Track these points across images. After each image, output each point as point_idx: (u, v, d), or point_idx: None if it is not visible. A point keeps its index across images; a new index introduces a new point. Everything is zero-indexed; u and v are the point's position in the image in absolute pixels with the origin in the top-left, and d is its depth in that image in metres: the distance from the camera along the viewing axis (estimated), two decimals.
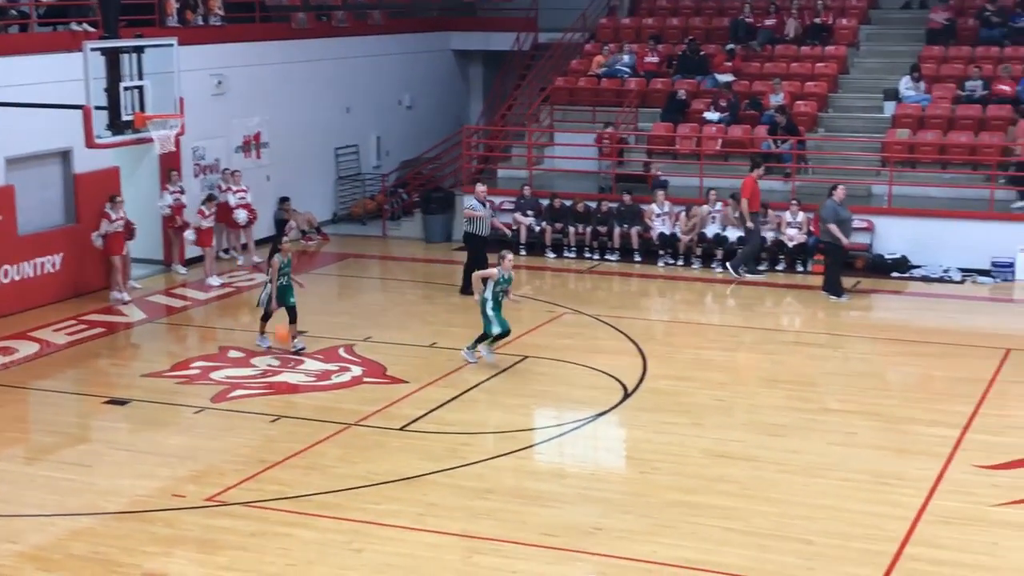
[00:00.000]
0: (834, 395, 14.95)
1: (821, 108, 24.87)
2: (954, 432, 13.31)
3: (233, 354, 16.69)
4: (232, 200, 22.25)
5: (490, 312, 15.70)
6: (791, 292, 20.32)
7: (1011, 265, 20.97)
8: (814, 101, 24.74)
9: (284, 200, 24.69)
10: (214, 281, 20.85)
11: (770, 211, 21.80)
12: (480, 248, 19.65)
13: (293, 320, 16.68)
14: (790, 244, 21.55)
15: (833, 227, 19.44)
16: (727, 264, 21.30)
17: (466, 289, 19.47)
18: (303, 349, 16.56)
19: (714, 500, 11.62)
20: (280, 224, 24.48)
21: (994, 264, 21.06)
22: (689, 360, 16.57)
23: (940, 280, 20.92)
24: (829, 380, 15.64)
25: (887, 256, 21.49)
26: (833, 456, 12.76)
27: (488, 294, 15.75)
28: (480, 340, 15.93)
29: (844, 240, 19.47)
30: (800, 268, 21.43)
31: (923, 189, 22.31)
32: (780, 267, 21.68)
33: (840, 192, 19.75)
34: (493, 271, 15.84)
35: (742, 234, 21.71)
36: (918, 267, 21.33)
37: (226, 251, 22.74)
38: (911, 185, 22.34)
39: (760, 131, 23.84)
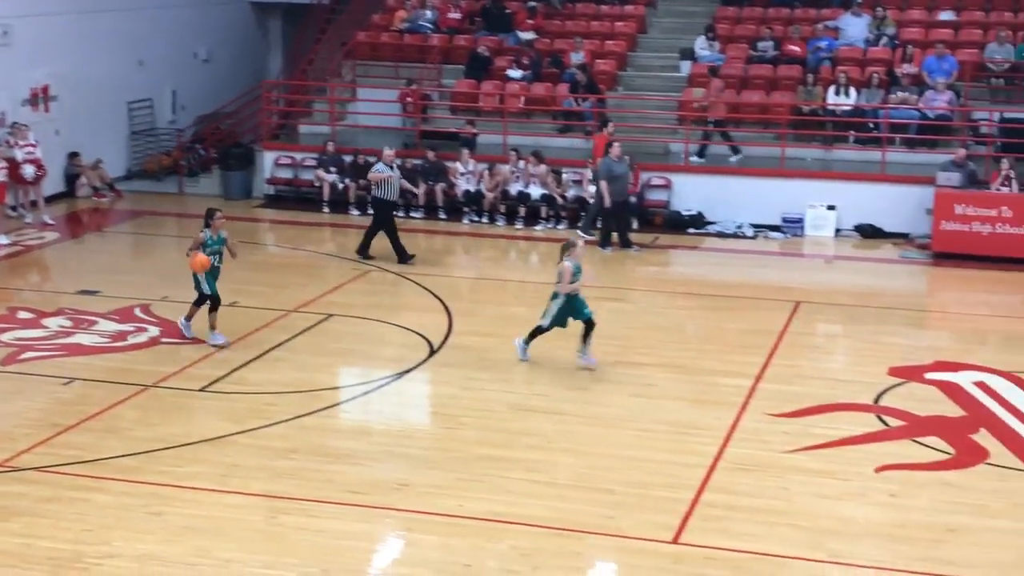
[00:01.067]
0: (634, 348, 15.26)
1: (620, 67, 25.25)
2: (747, 382, 13.77)
3: (22, 315, 16.05)
4: (19, 155, 21.31)
5: (555, 307, 14.15)
6: (594, 249, 20.61)
7: (800, 221, 21.77)
8: (614, 60, 25.10)
9: (74, 155, 23.82)
10: (2, 240, 19.98)
11: (576, 170, 22.15)
12: (388, 213, 19.37)
13: (215, 308, 14.74)
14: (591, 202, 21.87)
15: (603, 184, 19.81)
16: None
17: (364, 250, 19.28)
18: (227, 344, 14.79)
19: (519, 454, 11.76)
20: (71, 180, 23.61)
21: (784, 220, 21.84)
22: (494, 316, 16.69)
23: (734, 236, 21.58)
24: (629, 334, 15.97)
25: (684, 212, 22.04)
26: (633, 408, 13.06)
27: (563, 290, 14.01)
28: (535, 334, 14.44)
29: (607, 199, 19.74)
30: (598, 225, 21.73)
31: (717, 147, 22.89)
32: (581, 224, 22.02)
33: (616, 149, 20.11)
34: (567, 265, 13.91)
35: (544, 191, 21.95)
36: (713, 223, 21.94)
37: (14, 208, 21.80)
38: (707, 143, 22.88)
39: (562, 89, 24.06)
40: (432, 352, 14.86)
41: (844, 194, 21.69)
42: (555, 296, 14.19)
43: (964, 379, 14.00)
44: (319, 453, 11.74)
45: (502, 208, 22.36)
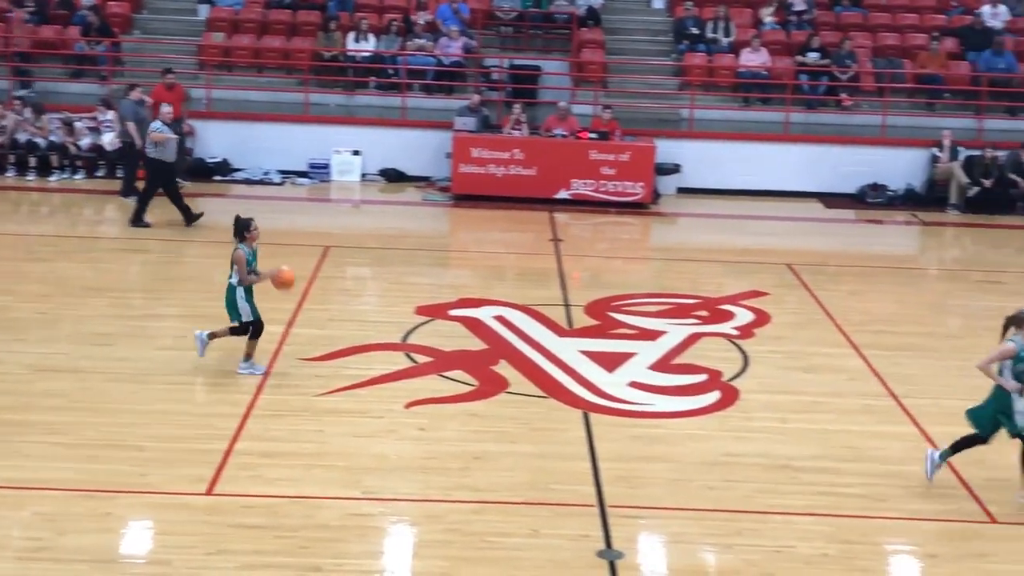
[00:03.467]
0: (161, 300, 14.83)
1: (136, 9, 24.30)
2: (279, 328, 13.74)
3: None
4: None
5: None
6: (114, 199, 19.80)
7: (327, 166, 21.95)
8: (128, 1, 24.10)
9: None
10: None
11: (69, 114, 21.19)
12: (167, 174, 17.92)
13: (256, 336, 12.47)
14: (109, 149, 20.97)
15: (131, 126, 19.15)
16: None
17: (137, 220, 17.84)
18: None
19: (40, 416, 11.16)
20: None
21: (311, 166, 21.93)
22: (9, 273, 15.68)
23: (261, 182, 21.42)
24: (155, 286, 15.49)
25: (208, 159, 21.61)
26: (162, 361, 12.70)
27: None
28: None
29: (138, 141, 19.10)
30: (121, 173, 20.84)
31: (241, 93, 22.58)
32: (100, 173, 21.12)
33: (136, 93, 19.45)
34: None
35: (54, 139, 20.86)
36: (239, 170, 21.67)
37: None
38: (229, 89, 22.53)
39: (73, 32, 22.83)
40: None
41: (368, 139, 22.06)
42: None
43: (485, 314, 14.68)
44: None
45: (11, 158, 20.99)
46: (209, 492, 9.90)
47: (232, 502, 9.76)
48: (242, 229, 12.28)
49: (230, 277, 12.31)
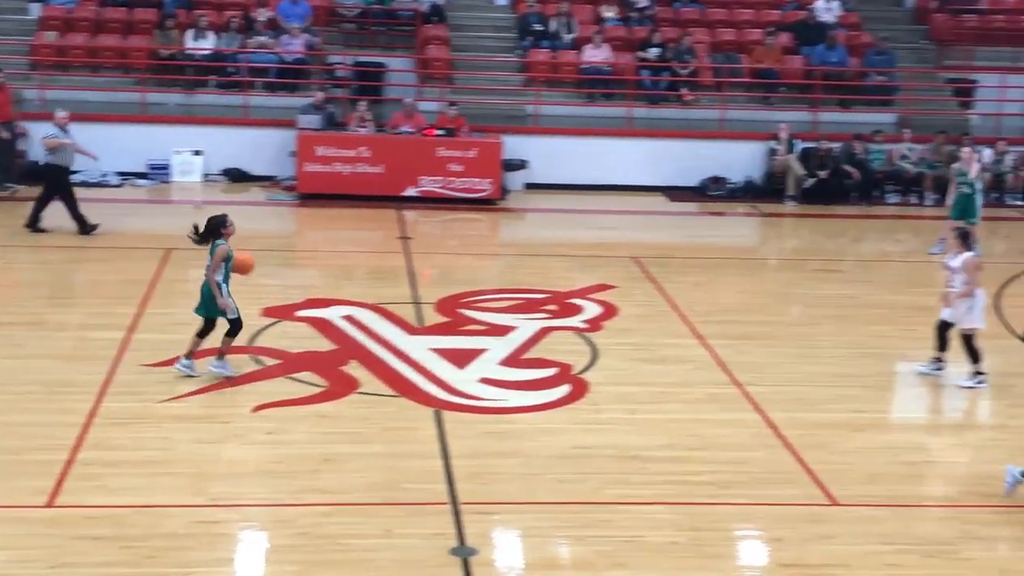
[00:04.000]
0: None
1: None
2: (120, 334, 13.40)
3: None
4: None
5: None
6: None
7: (166, 167, 21.48)
8: None
9: None
10: None
11: None
12: (63, 180, 17.32)
13: (233, 334, 12.34)
14: None
15: None
16: None
17: (35, 222, 17.15)
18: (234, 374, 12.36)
19: None
20: None
21: (150, 167, 21.44)
22: None
23: (99, 184, 20.84)
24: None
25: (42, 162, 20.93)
26: (2, 371, 12.27)
27: None
28: None
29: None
30: None
31: (77, 93, 21.92)
32: None
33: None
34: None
35: None
36: (76, 172, 21.00)
37: None
38: (64, 89, 21.85)
39: None
40: None
41: (209, 139, 21.66)
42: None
43: (334, 314, 14.54)
44: None
45: None
46: (50, 504, 9.59)
47: (75, 514, 9.47)
48: (218, 226, 12.19)
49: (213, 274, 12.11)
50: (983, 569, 9.20)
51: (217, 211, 12.72)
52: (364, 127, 21.24)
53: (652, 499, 10.17)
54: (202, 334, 12.35)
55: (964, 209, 17.95)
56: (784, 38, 24.26)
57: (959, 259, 12.78)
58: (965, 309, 12.72)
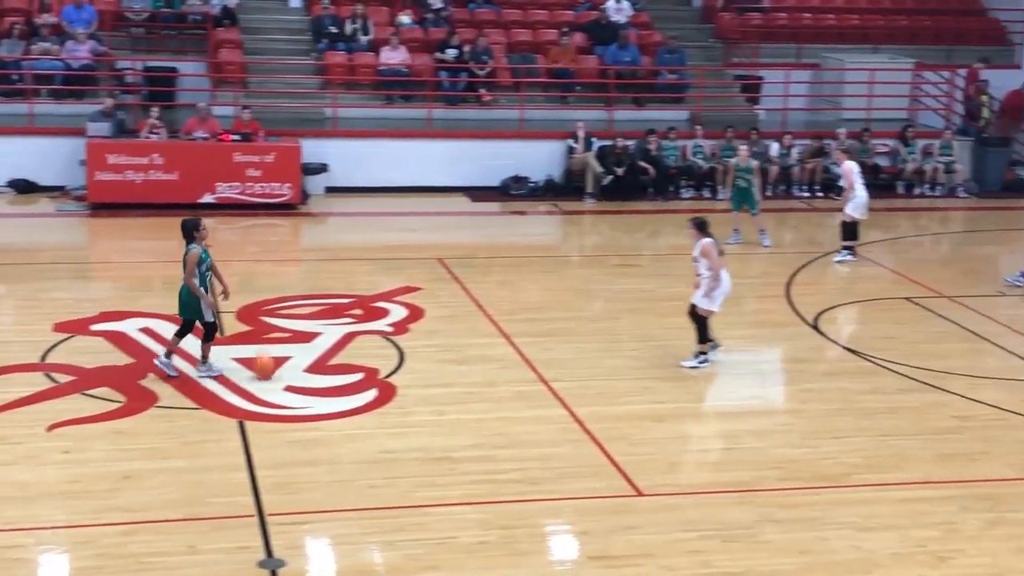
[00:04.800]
0: None
1: None
2: None
3: None
4: None
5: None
6: None
7: None
8: None
9: None
10: None
11: None
12: None
13: (210, 338, 12.57)
14: None
15: None
16: None
17: None
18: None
19: None
20: None
21: None
22: None
23: None
24: None
25: None
26: None
27: None
28: None
29: None
30: None
31: None
32: None
33: None
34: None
35: None
36: None
37: None
38: None
39: None
40: None
41: None
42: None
43: (130, 327, 14.14)
44: None
45: None
46: None
47: None
48: (191, 230, 12.37)
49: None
50: (782, 550, 9.50)
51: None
52: (156, 134, 20.71)
53: (461, 500, 10.19)
54: (207, 339, 12.56)
55: (743, 201, 18.81)
56: (578, 38, 24.64)
57: (698, 246, 13.20)
58: (704, 292, 13.16)
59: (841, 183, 19.13)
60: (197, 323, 12.57)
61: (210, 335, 12.62)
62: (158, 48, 23.49)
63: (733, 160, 19.39)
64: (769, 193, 22.54)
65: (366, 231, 20.02)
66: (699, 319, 13.30)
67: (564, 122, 23.05)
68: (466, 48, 23.55)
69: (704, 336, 13.35)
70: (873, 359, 13.93)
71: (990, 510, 10.26)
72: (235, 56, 23.09)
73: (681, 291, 16.63)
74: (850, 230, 18.45)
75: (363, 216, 20.88)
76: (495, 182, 22.56)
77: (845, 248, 18.42)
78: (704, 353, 13.39)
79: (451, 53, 23.47)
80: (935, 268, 18.47)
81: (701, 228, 13.28)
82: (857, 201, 18.27)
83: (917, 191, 23.59)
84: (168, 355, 12.61)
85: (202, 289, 12.33)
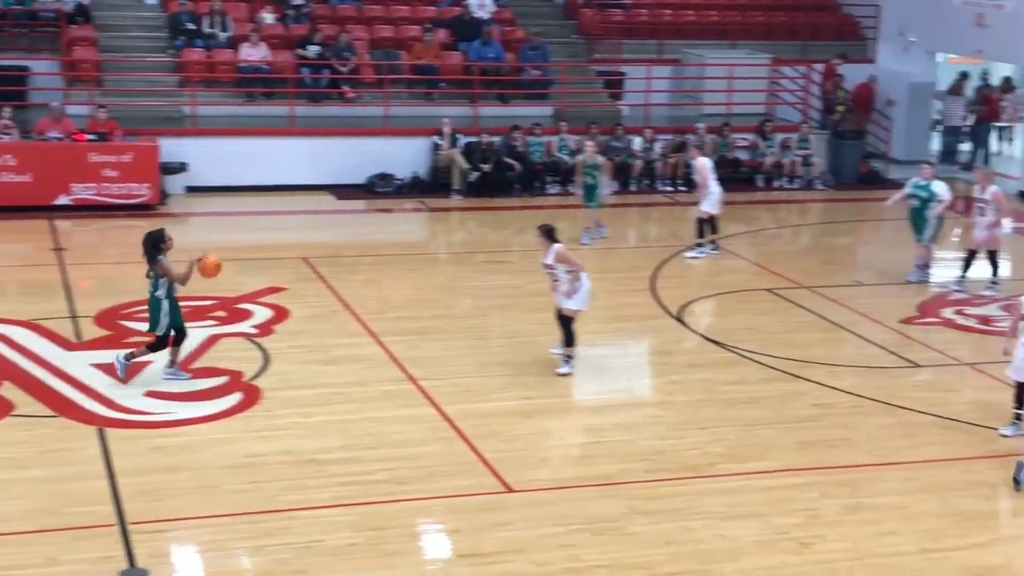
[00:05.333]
0: None
1: None
2: None
3: None
4: None
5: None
6: None
7: None
8: None
9: None
10: None
11: None
12: None
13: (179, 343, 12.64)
14: None
15: None
16: None
17: None
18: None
19: None
20: None
21: None
22: None
23: None
24: None
25: None
26: None
27: None
28: None
29: None
30: None
31: None
32: None
33: None
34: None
35: None
36: None
37: None
38: None
39: None
40: None
41: None
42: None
43: None
44: None
45: None
46: None
47: None
48: (157, 241, 12.28)
49: (155, 291, 12.26)
50: (649, 542, 9.60)
51: None
52: (8, 134, 20.07)
53: (330, 502, 10.08)
54: (176, 343, 12.56)
55: (589, 197, 18.94)
56: (442, 34, 24.59)
57: (551, 253, 12.98)
58: (566, 292, 13.03)
59: (695, 179, 19.18)
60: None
61: (180, 339, 12.63)
62: (9, 47, 22.74)
63: (580, 157, 19.43)
64: (633, 188, 22.82)
65: (228, 231, 19.70)
66: (566, 321, 13.23)
67: (429, 119, 22.97)
68: (328, 44, 23.28)
69: (571, 338, 13.23)
70: (736, 350, 14.18)
71: (849, 496, 10.52)
72: (89, 54, 22.50)
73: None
74: (705, 226, 18.46)
75: (225, 216, 20.55)
76: (360, 180, 22.39)
77: (698, 244, 18.42)
78: (571, 357, 13.21)
79: (313, 50, 23.22)
80: (794, 259, 18.86)
81: (549, 235, 13.03)
82: (712, 198, 18.33)
83: (776, 184, 24.06)
84: (171, 365, 12.65)
85: (166, 303, 12.30)
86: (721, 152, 23.59)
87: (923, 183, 17.14)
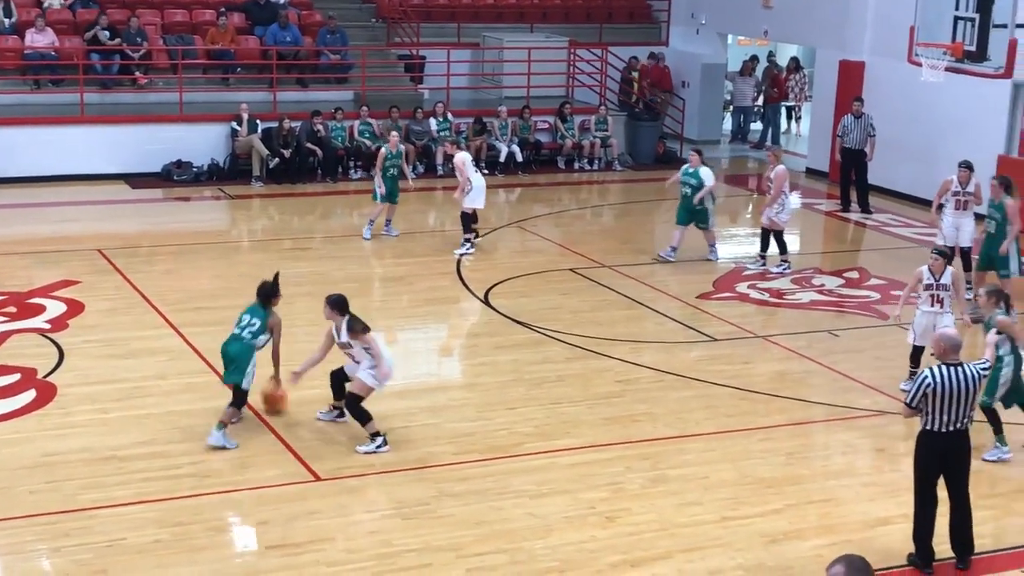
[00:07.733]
0: None
1: None
2: None
3: None
4: None
5: None
6: None
7: None
8: None
9: None
10: None
11: None
12: None
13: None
14: None
15: None
16: None
17: None
18: None
19: None
20: None
21: None
22: None
23: None
24: None
25: None
26: None
27: None
28: None
29: None
30: None
31: None
32: None
33: None
34: None
35: None
36: None
37: None
38: None
39: None
40: None
41: None
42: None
43: None
44: None
45: None
46: None
47: None
48: (272, 295, 11.43)
49: (254, 338, 11.14)
50: (460, 523, 9.65)
51: None
52: None
53: (132, 499, 9.83)
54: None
55: (395, 190, 18.24)
56: (237, 18, 24.12)
57: (344, 330, 11.00)
58: (368, 369, 10.99)
59: (457, 175, 17.89)
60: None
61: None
62: None
63: (384, 148, 18.51)
64: (441, 172, 22.77)
65: (17, 223, 18.94)
66: (353, 399, 11.02)
67: (226, 104, 22.52)
68: (118, 29, 22.57)
69: (365, 417, 10.92)
70: (542, 330, 14.35)
71: (652, 468, 10.78)
72: None
73: (356, 272, 16.76)
74: (469, 220, 17.71)
75: (13, 208, 19.73)
76: (156, 168, 21.82)
77: (466, 240, 17.68)
78: (379, 434, 10.92)
79: (103, 35, 22.49)
80: (596, 239, 19.17)
81: (340, 308, 11.07)
82: (474, 193, 17.52)
83: (577, 166, 24.43)
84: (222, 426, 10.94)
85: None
86: (523, 135, 23.82)
87: (692, 170, 17.51)
